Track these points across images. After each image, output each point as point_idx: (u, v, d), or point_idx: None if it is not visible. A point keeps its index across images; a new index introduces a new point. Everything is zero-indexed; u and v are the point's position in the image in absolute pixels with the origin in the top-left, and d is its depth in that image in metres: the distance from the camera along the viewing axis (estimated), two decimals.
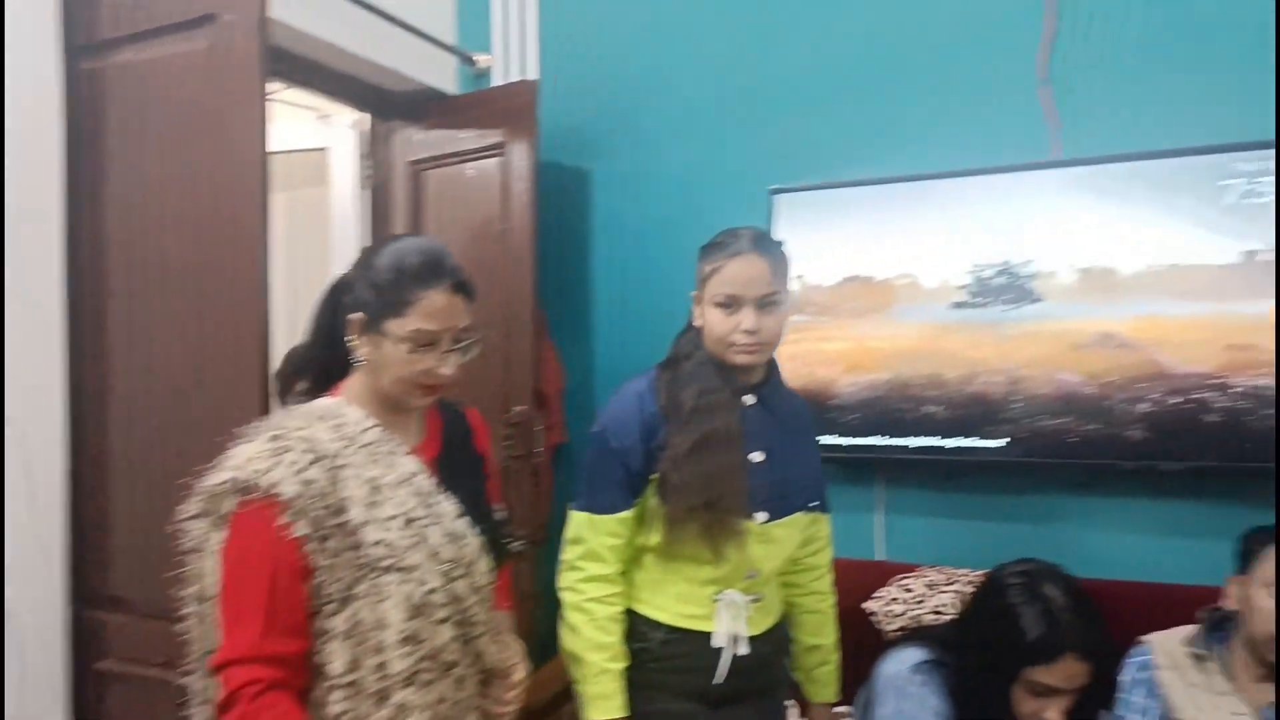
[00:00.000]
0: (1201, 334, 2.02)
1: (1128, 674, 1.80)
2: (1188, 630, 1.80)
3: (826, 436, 2.28)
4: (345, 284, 1.33)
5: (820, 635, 1.77)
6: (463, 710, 1.30)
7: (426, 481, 1.30)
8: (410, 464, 1.29)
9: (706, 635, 1.57)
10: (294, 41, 2.36)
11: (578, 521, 1.57)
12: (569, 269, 2.77)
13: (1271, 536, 1.71)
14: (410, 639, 1.21)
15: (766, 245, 1.54)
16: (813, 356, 2.34)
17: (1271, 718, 1.64)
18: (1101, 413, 2.10)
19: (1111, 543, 2.16)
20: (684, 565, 1.57)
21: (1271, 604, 1.64)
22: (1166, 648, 1.79)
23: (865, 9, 2.40)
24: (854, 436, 2.31)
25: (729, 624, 1.57)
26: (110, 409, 1.93)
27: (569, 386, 2.66)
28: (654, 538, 1.56)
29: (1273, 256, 1.96)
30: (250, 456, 1.19)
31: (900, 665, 1.66)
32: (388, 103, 2.80)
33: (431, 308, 1.25)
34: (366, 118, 2.82)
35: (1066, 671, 1.48)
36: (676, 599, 1.59)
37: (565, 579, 1.57)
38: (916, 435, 2.26)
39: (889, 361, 2.29)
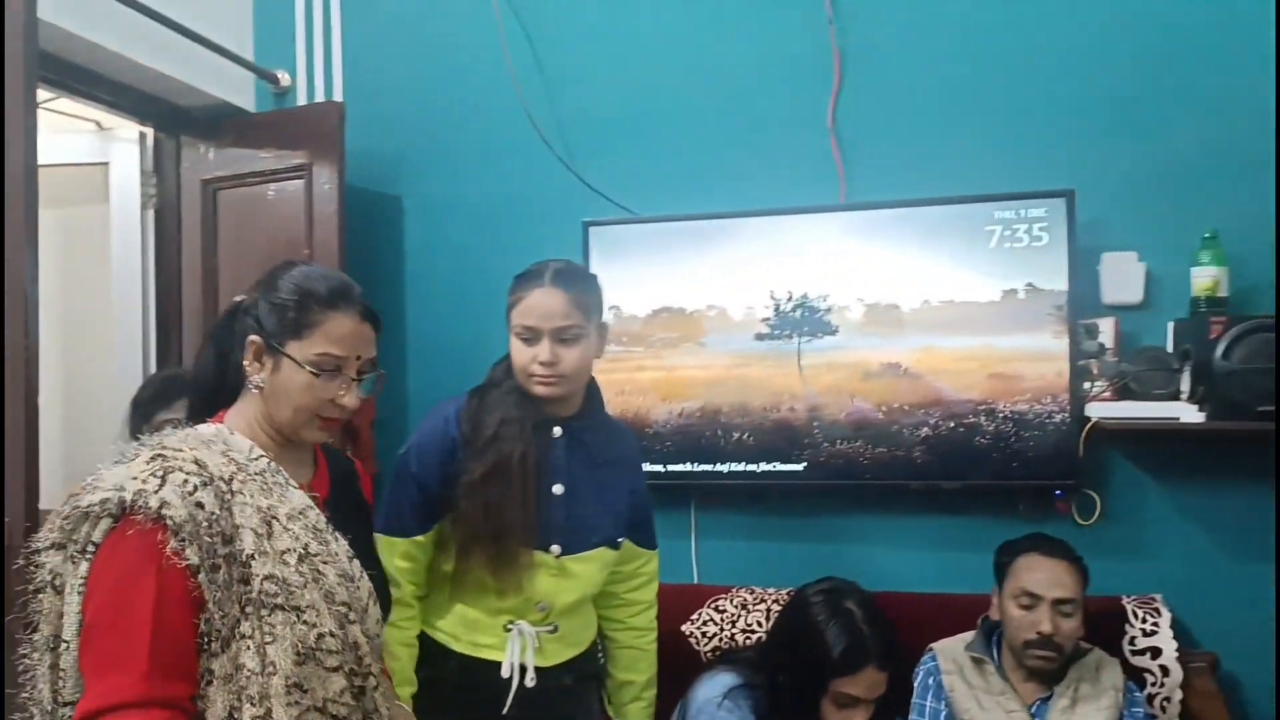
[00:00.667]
0: (970, 364, 2.24)
1: (918, 679, 1.96)
2: (968, 636, 1.98)
3: (645, 464, 2.33)
4: (244, 306, 1.25)
5: (633, 671, 1.76)
6: None
7: (319, 518, 1.21)
8: (302, 498, 1.20)
9: (498, 665, 1.57)
10: (68, 46, 2.16)
11: (376, 544, 1.51)
12: (378, 298, 2.62)
13: (1018, 549, 1.91)
14: (297, 687, 1.09)
15: (568, 278, 1.55)
16: (628, 385, 2.39)
17: (1043, 714, 1.83)
18: (889, 437, 2.27)
19: (900, 558, 2.34)
20: (475, 594, 1.57)
21: (1020, 613, 1.83)
22: (950, 653, 1.95)
23: (673, 53, 2.50)
24: (669, 463, 2.38)
25: (516, 654, 1.56)
26: None
27: (379, 416, 2.57)
28: (448, 564, 1.57)
29: (1026, 295, 2.20)
30: (131, 476, 1.07)
31: (711, 691, 1.73)
32: (177, 117, 2.61)
33: (337, 331, 1.20)
34: (150, 132, 2.62)
35: (868, 681, 1.59)
36: (469, 627, 1.59)
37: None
38: (726, 461, 2.35)
39: (700, 390, 2.37)
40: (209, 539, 1.07)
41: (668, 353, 2.39)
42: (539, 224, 2.57)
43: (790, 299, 2.32)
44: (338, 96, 2.69)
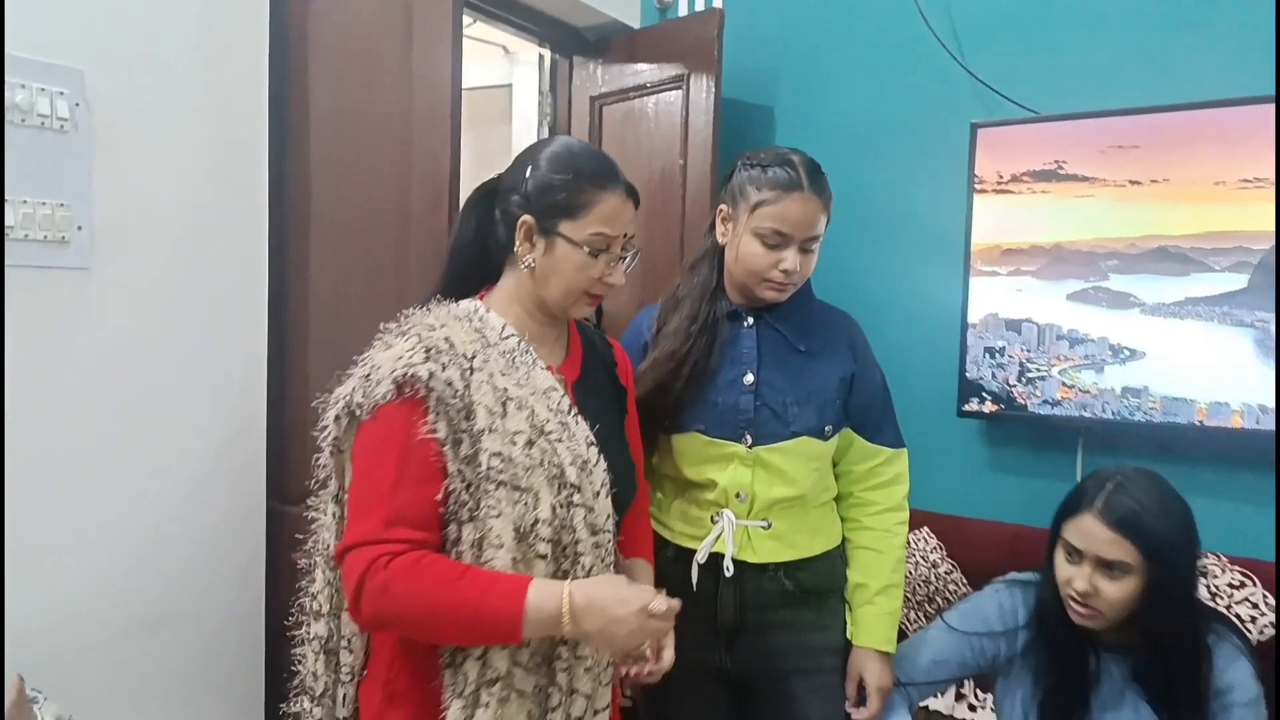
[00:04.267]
0: None
1: None
2: None
3: None
4: (506, 187, 1.25)
5: (869, 575, 1.58)
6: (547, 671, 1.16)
7: (564, 400, 1.20)
8: (548, 379, 1.20)
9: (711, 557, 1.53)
10: None
11: None
12: None
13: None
14: (516, 562, 1.11)
15: (822, 183, 1.48)
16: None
17: None
18: None
19: None
20: (682, 486, 1.57)
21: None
22: None
23: None
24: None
25: (712, 541, 1.52)
26: (310, 319, 2.00)
27: None
28: (660, 460, 1.58)
29: None
30: (399, 355, 1.13)
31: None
32: (571, 38, 2.78)
33: (609, 211, 1.20)
34: (548, 54, 2.82)
35: (1091, 533, 1.37)
36: (682, 519, 1.57)
37: None
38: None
39: None
40: (455, 414, 1.10)
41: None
42: (920, 130, 2.39)
43: None
44: (717, 3, 2.69)
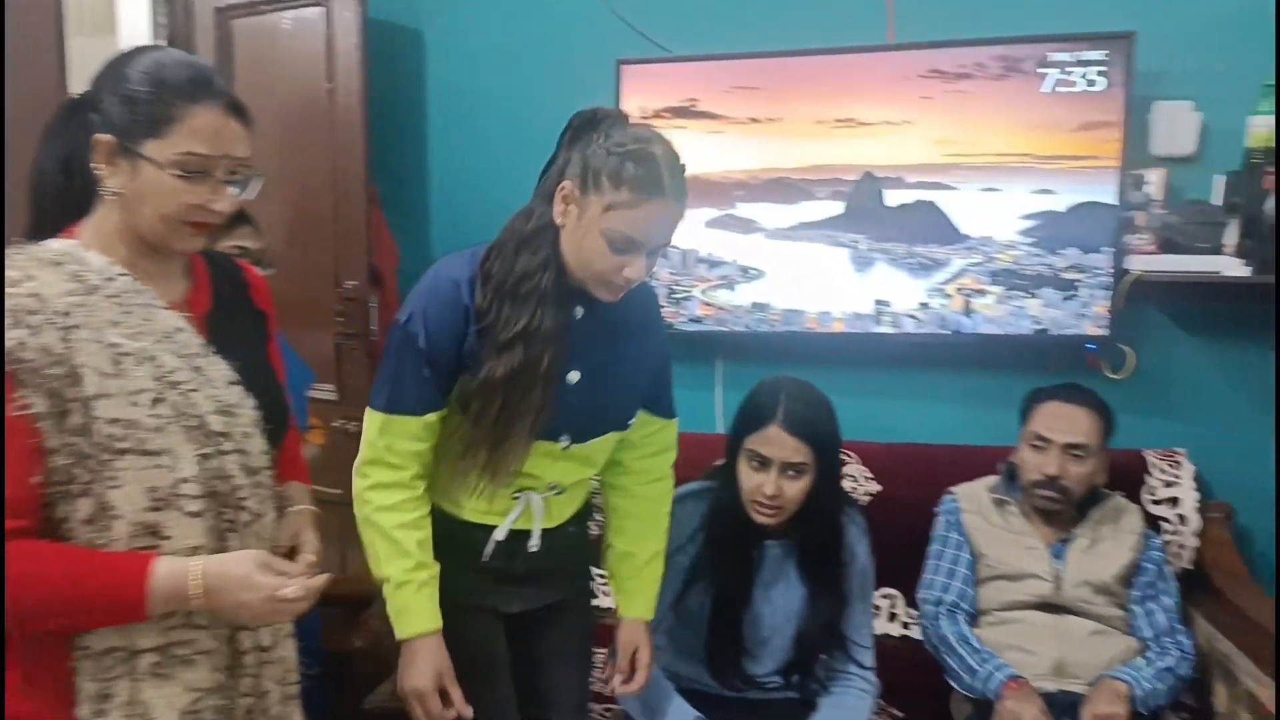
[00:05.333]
0: (1010, 211, 2.20)
1: (940, 519, 2.00)
2: (990, 480, 2.01)
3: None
4: (86, 101, 1.09)
5: (637, 544, 1.57)
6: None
7: (192, 340, 1.09)
8: (170, 320, 1.08)
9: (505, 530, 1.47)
10: None
11: (372, 422, 1.36)
12: (401, 139, 2.61)
13: (1042, 395, 1.92)
14: (151, 532, 1.02)
15: (683, 185, 1.31)
16: None
17: (1062, 554, 1.88)
18: (922, 286, 2.25)
19: (927, 411, 2.36)
20: (481, 472, 1.41)
21: (1030, 455, 1.86)
22: (972, 495, 1.99)
23: None
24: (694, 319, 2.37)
25: (511, 522, 1.45)
26: None
27: (403, 264, 2.54)
28: (455, 441, 1.41)
29: (1075, 144, 2.13)
30: None
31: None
32: None
33: (201, 127, 1.04)
34: None
35: (775, 440, 1.54)
36: (475, 496, 1.43)
37: (355, 487, 1.39)
38: (754, 314, 2.34)
39: None
40: (58, 383, 0.99)
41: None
42: (569, 64, 2.47)
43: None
44: None
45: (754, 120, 2.29)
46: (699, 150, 2.31)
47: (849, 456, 2.22)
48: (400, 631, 1.38)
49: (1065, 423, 1.85)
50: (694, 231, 2.33)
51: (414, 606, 1.37)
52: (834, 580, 1.65)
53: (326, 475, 2.01)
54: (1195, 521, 2.07)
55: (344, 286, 2.34)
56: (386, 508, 1.37)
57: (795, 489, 1.56)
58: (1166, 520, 2.08)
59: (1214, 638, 1.90)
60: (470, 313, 1.33)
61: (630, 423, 1.50)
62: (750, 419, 1.58)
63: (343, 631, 1.81)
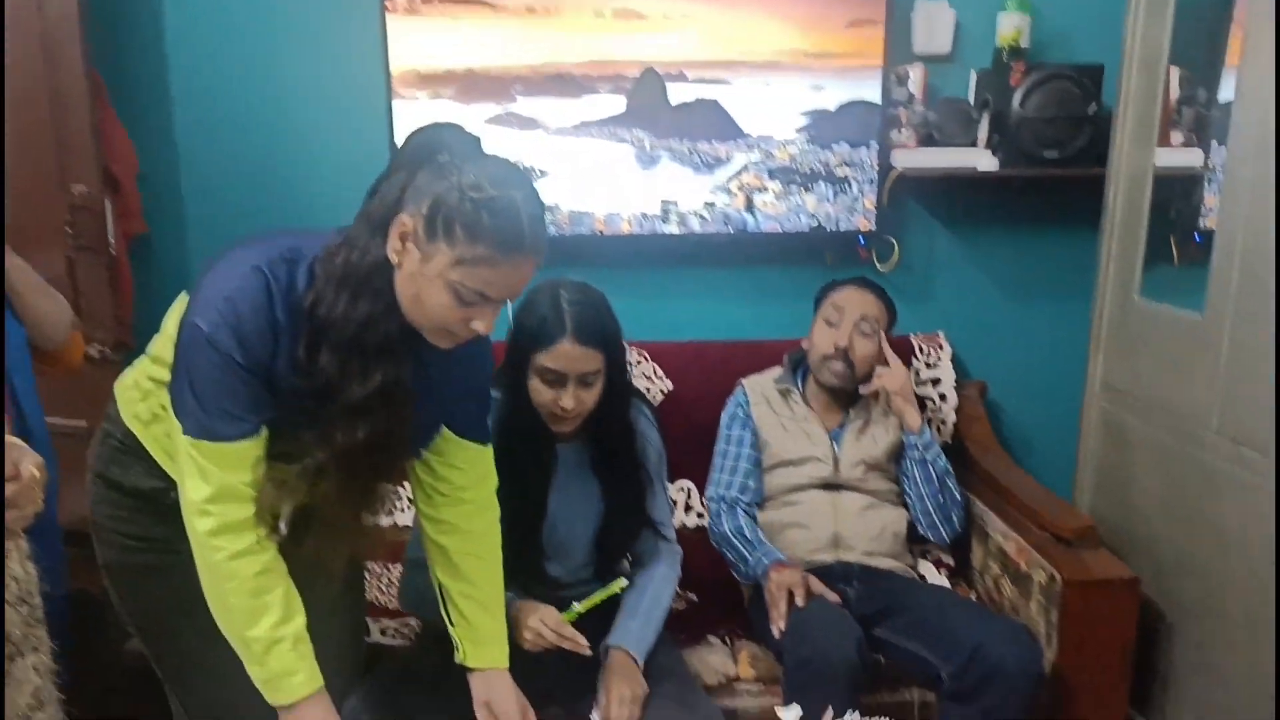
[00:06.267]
0: (783, 108, 2.23)
1: (727, 411, 2.05)
2: (775, 370, 2.08)
3: None
4: None
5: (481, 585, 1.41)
6: None
7: None
8: None
9: None
10: None
11: (195, 453, 1.13)
12: (132, 25, 2.27)
13: (837, 284, 2.01)
14: None
15: (543, 239, 1.14)
16: None
17: (839, 437, 1.98)
18: (702, 181, 2.26)
19: (713, 308, 2.39)
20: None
21: (824, 329, 1.95)
22: (758, 387, 2.05)
23: None
24: None
25: None
26: None
27: (145, 169, 2.25)
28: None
29: (841, 41, 2.18)
30: None
31: None
32: None
33: None
34: None
35: (566, 355, 1.49)
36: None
37: (194, 529, 1.17)
38: None
39: None
40: None
41: None
42: None
43: None
44: None
45: (530, 10, 2.18)
46: (474, 43, 2.17)
47: (642, 357, 2.22)
48: (282, 698, 1.20)
49: (858, 301, 1.96)
50: (471, 129, 2.20)
51: (294, 666, 1.19)
52: (631, 474, 1.65)
53: (67, 406, 1.80)
54: (953, 399, 2.25)
55: (71, 191, 2.04)
56: (241, 553, 1.16)
57: (591, 396, 1.54)
58: (931, 399, 2.25)
59: (970, 502, 2.09)
60: (280, 328, 1.13)
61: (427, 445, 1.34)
62: (536, 335, 1.50)
63: (90, 573, 1.62)
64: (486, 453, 1.40)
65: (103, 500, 1.30)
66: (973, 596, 2.00)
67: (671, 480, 2.17)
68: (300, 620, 1.21)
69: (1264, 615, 1.62)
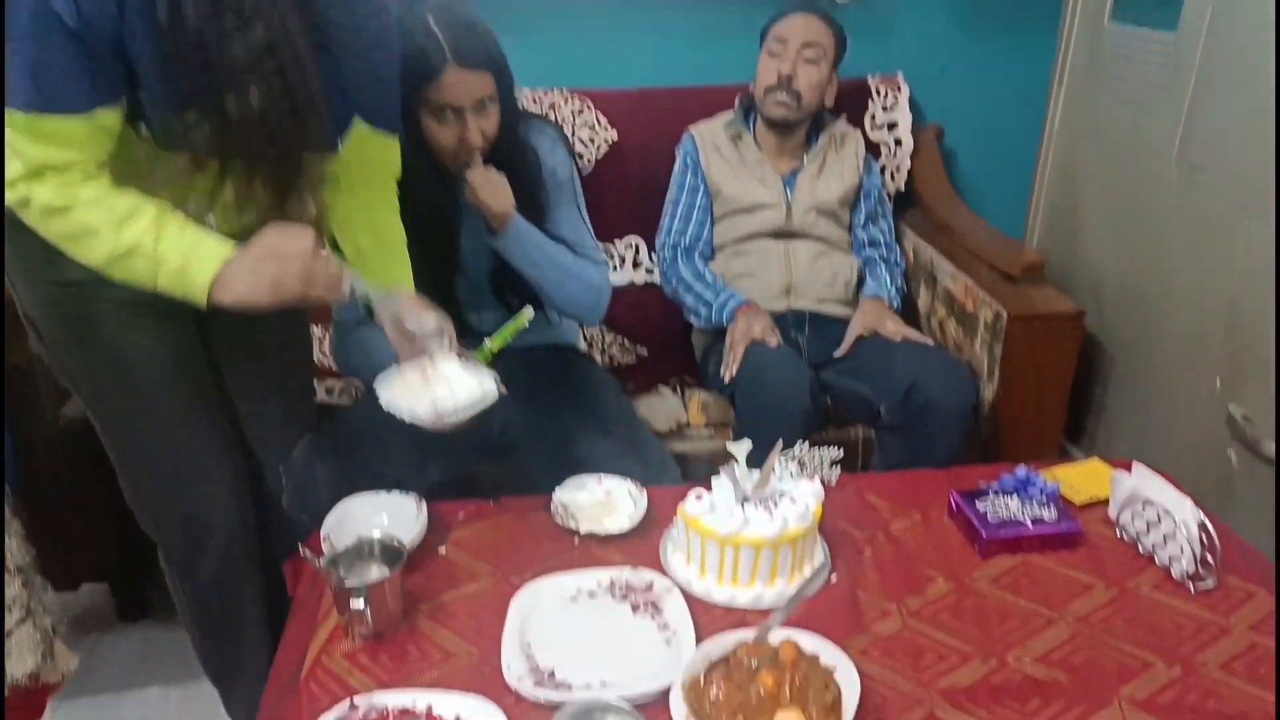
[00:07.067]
0: None
1: (678, 160, 1.96)
2: (726, 114, 1.97)
3: None
4: None
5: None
6: None
7: None
8: None
9: None
10: None
11: (15, 127, 0.99)
12: None
13: (777, 15, 1.87)
14: None
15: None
16: None
17: (793, 184, 1.91)
18: None
19: (662, 50, 2.21)
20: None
21: (768, 60, 1.84)
22: (708, 133, 1.95)
23: None
24: None
25: None
26: None
27: None
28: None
29: None
30: None
31: None
32: None
33: None
34: None
35: (457, 83, 1.37)
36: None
37: (22, 213, 1.04)
38: None
39: None
40: None
41: None
42: None
43: None
44: None
45: None
46: None
47: (585, 105, 2.09)
48: (205, 273, 1.05)
49: (801, 27, 1.84)
50: None
51: (193, 238, 1.06)
52: (529, 198, 1.52)
53: None
54: (909, 143, 2.17)
55: None
56: (71, 183, 1.02)
57: (491, 124, 1.43)
58: (886, 145, 2.16)
59: (920, 247, 2.06)
60: None
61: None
62: (416, 67, 1.33)
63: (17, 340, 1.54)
64: (394, 145, 1.30)
65: (13, 242, 1.19)
66: None
67: (618, 236, 2.11)
68: (180, 213, 1.09)
69: (1203, 342, 1.66)
